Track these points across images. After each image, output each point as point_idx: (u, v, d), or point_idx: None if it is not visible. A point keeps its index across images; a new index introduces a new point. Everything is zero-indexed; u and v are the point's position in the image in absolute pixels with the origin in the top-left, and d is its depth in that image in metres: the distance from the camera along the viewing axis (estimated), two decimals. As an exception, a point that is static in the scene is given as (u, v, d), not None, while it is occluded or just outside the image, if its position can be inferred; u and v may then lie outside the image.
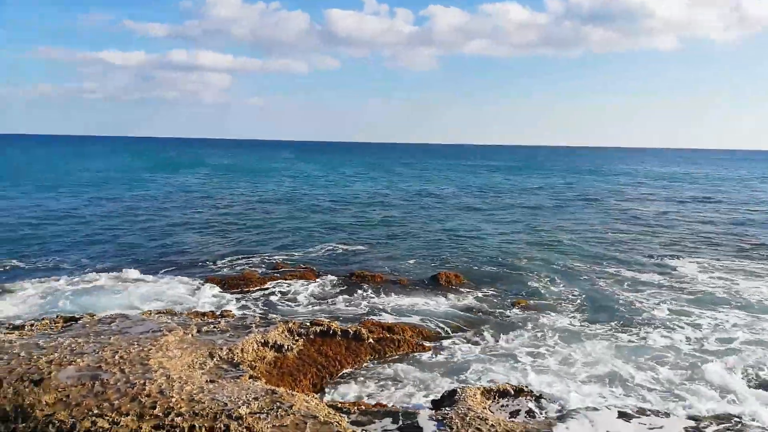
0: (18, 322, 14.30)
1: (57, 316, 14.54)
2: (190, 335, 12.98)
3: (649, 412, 10.83)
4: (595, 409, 10.96)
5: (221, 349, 12.28)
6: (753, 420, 10.93)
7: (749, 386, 12.70)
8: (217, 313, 15.65)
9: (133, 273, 21.22)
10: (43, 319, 14.22)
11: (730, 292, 20.12)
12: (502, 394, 11.56)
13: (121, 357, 11.25)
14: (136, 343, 12.08)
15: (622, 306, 18.46)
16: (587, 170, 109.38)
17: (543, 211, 43.69)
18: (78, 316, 14.40)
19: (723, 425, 10.42)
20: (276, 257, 24.79)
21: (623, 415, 10.64)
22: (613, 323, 16.78)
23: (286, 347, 13.37)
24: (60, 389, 9.74)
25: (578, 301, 18.95)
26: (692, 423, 10.49)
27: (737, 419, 10.84)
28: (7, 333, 12.86)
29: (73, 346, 11.78)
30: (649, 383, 12.76)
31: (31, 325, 13.50)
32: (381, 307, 17.99)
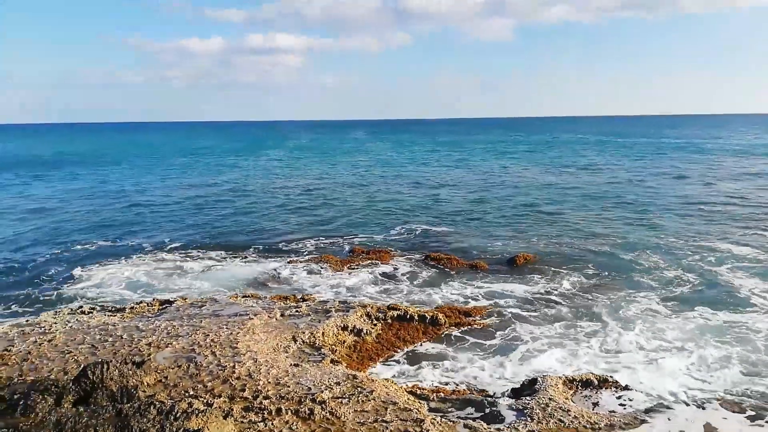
0: (120, 305, 15.44)
1: (153, 299, 15.59)
2: (274, 319, 13.55)
3: (748, 408, 10.24)
4: (686, 403, 10.50)
5: (303, 332, 12.74)
6: None
7: None
8: (299, 297, 16.19)
9: (219, 254, 22.48)
10: (141, 302, 15.27)
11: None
12: (585, 384, 11.29)
13: (212, 340, 11.94)
14: (225, 326, 12.77)
15: (720, 287, 17.40)
16: (674, 145, 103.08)
17: (631, 187, 41.73)
18: (172, 300, 15.38)
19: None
20: (353, 239, 25.24)
21: (720, 411, 10.13)
22: (708, 306, 15.86)
23: (365, 331, 13.67)
24: (159, 371, 10.49)
25: (671, 283, 18.03)
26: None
27: None
28: (110, 315, 13.96)
29: (169, 329, 12.63)
30: (752, 374, 12.00)
31: (131, 308, 14.56)
32: (458, 290, 17.93)
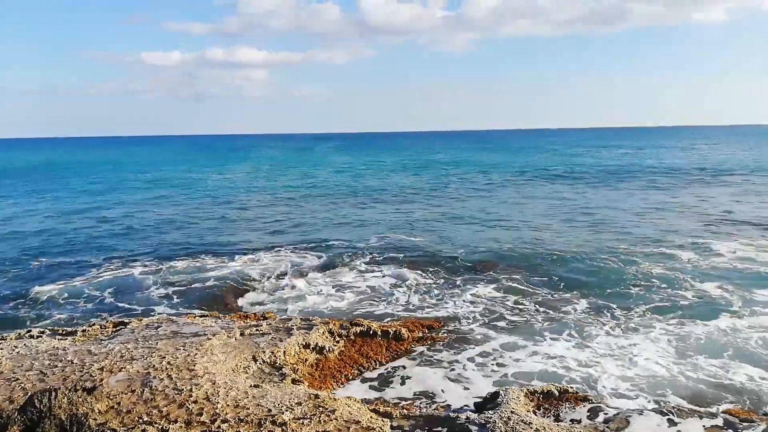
0: (72, 327, 14.86)
1: (107, 321, 15.08)
2: (233, 338, 13.24)
3: (707, 415, 10.45)
4: (641, 412, 10.65)
5: (264, 352, 12.48)
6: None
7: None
8: (260, 315, 15.90)
9: (178, 271, 21.97)
10: (94, 324, 14.74)
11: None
12: (547, 395, 11.36)
13: (168, 362, 11.58)
14: (182, 347, 12.40)
15: (684, 295, 17.83)
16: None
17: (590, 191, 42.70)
18: (127, 321, 14.89)
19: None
20: (318, 252, 25.00)
21: (685, 422, 10.31)
22: (672, 314, 16.22)
23: (327, 349, 13.49)
24: (111, 397, 10.09)
25: (635, 288, 18.40)
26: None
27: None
28: (61, 339, 13.41)
29: (123, 351, 12.19)
30: (710, 380, 12.29)
31: (84, 331, 14.02)
32: (423, 302, 17.92)
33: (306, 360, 13.00)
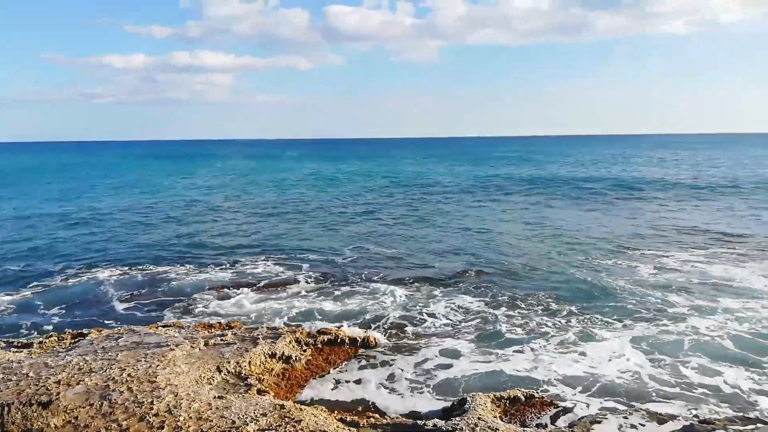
0: (28, 339, 14.33)
1: (65, 332, 14.58)
2: (197, 349, 12.96)
3: (671, 419, 10.68)
4: (605, 416, 10.82)
5: (229, 362, 12.25)
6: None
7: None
8: (224, 324, 15.61)
9: (141, 279, 21.41)
10: (51, 335, 14.24)
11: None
12: (513, 401, 11.45)
13: (128, 374, 11.25)
14: (143, 359, 12.08)
15: (642, 302, 18.23)
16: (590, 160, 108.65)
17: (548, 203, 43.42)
18: (86, 332, 14.43)
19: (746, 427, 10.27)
20: (281, 260, 24.74)
21: (637, 422, 10.51)
22: (633, 321, 16.54)
23: (294, 358, 13.33)
24: (68, 411, 9.74)
25: (598, 297, 18.72)
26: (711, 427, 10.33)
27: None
28: (16, 352, 12.91)
29: (81, 364, 11.79)
30: (671, 384, 12.56)
31: (40, 342, 13.53)
32: (393, 308, 17.88)
33: (272, 370, 12.80)
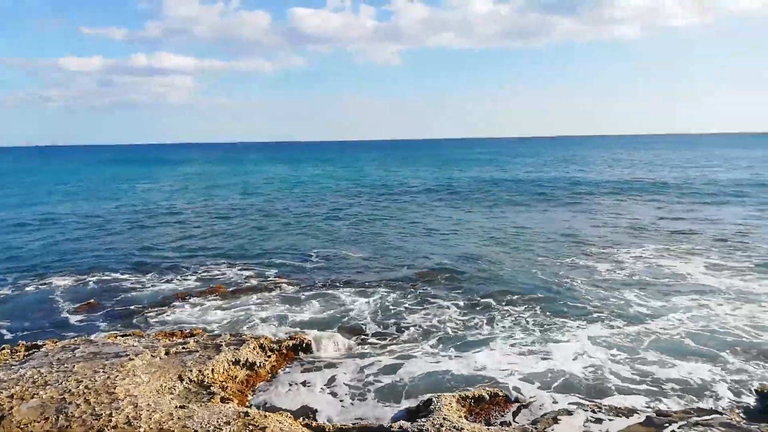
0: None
1: (19, 344, 14.05)
2: (158, 358, 12.67)
3: (623, 413, 10.95)
4: (569, 412, 11.04)
5: (191, 371, 12.01)
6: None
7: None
8: (186, 332, 15.30)
9: (97, 287, 20.79)
10: (3, 348, 13.70)
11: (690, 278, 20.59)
12: (478, 400, 11.57)
13: (86, 386, 10.91)
14: (101, 370, 11.73)
15: (597, 298, 18.65)
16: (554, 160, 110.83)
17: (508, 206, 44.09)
18: (41, 343, 13.95)
19: (698, 418, 10.62)
20: (245, 266, 24.42)
21: (599, 417, 10.75)
22: (593, 318, 16.89)
23: (258, 364, 13.16)
24: (22, 426, 9.40)
25: (552, 296, 19.07)
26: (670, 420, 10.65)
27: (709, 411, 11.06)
28: (-35, 366, 12.37)
29: (35, 377, 11.39)
30: (631, 380, 12.87)
31: (-10, 356, 13.01)
32: (356, 313, 17.83)
33: (236, 377, 12.62)
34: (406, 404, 11.83)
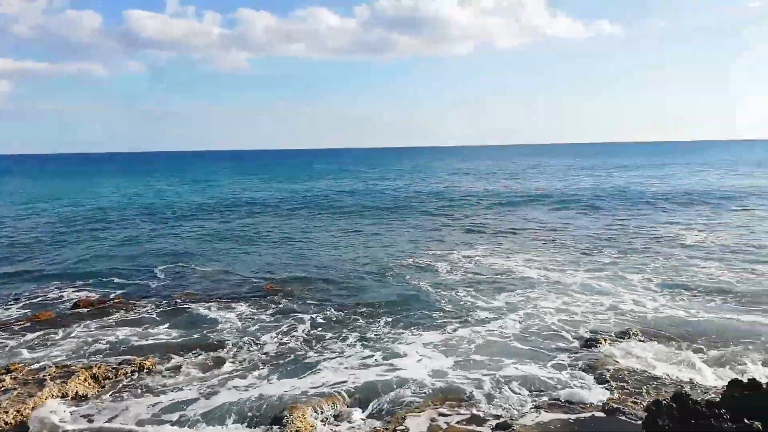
0: None
1: None
2: (-37, 402, 10.98)
3: (465, 413, 11.67)
4: (416, 413, 11.52)
5: (6, 412, 10.59)
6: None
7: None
8: (1, 368, 13.45)
9: None
10: None
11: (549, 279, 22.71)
12: (332, 407, 11.64)
13: None
14: None
15: (439, 301, 19.66)
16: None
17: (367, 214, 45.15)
18: None
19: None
20: (76, 290, 22.12)
21: (446, 413, 11.35)
22: (433, 322, 17.67)
23: (91, 397, 11.98)
24: None
25: (395, 303, 19.69)
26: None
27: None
28: None
29: None
30: (471, 381, 13.66)
31: None
32: (206, 332, 16.96)
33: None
34: (263, 419, 11.48)
